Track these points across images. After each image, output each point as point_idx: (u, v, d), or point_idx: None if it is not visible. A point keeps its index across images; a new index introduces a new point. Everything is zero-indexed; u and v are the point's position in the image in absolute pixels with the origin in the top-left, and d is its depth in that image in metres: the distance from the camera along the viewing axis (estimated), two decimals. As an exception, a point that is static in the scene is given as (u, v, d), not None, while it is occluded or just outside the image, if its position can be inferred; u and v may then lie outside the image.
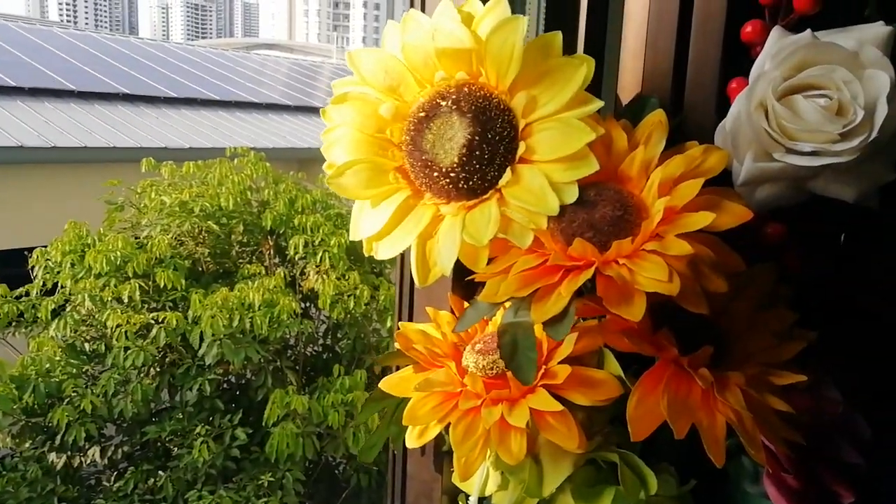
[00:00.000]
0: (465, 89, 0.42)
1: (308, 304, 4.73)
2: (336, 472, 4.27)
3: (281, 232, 4.86)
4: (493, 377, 0.45)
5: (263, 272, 4.62)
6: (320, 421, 3.55)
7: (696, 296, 0.37)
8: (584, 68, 0.40)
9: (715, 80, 0.47)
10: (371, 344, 4.30)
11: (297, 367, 4.16)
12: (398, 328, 0.53)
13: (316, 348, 4.69)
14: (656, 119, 0.44)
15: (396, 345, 0.51)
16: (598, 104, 0.40)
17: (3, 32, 10.31)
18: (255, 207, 5.09)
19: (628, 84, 0.51)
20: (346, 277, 4.36)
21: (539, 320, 0.38)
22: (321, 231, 4.53)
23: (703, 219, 0.38)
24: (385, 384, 0.50)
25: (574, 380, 0.43)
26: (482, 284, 0.42)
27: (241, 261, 5.09)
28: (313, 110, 10.68)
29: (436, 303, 0.55)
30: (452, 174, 0.41)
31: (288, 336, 4.18)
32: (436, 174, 0.42)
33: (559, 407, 0.42)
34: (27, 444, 3.58)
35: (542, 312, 0.38)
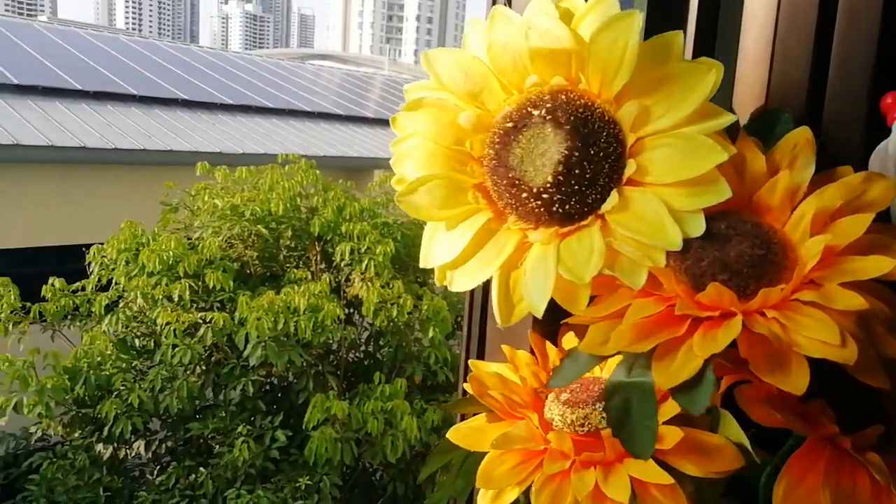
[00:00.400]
0: (562, 97, 0.36)
1: (351, 311, 4.71)
2: (373, 478, 4.23)
3: (328, 238, 4.87)
4: (584, 435, 0.38)
5: (309, 277, 4.62)
6: (359, 427, 3.52)
7: (872, 364, 0.30)
8: (711, 75, 0.32)
9: (865, 92, 0.39)
10: (412, 353, 4.25)
11: (339, 373, 4.14)
12: (468, 367, 0.47)
13: (358, 355, 4.67)
14: (802, 138, 0.36)
15: (467, 388, 0.44)
16: (730, 118, 0.32)
17: (73, 39, 10.68)
18: (303, 213, 5.12)
19: (746, 96, 0.43)
20: (391, 286, 4.33)
21: (666, 385, 0.31)
22: (367, 239, 4.52)
23: (877, 265, 0.30)
24: (454, 435, 0.43)
25: (685, 445, 0.35)
26: (573, 325, 0.35)
27: (288, 265, 5.12)
28: (364, 120, 10.76)
29: (512, 340, 0.48)
30: (545, 195, 0.35)
31: (331, 341, 4.17)
32: (524, 195, 0.36)
33: (668, 479, 0.35)
34: (77, 434, 3.64)
35: (669, 375, 0.31)
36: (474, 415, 0.44)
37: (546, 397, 0.42)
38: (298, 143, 8.24)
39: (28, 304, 4.11)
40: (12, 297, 4.03)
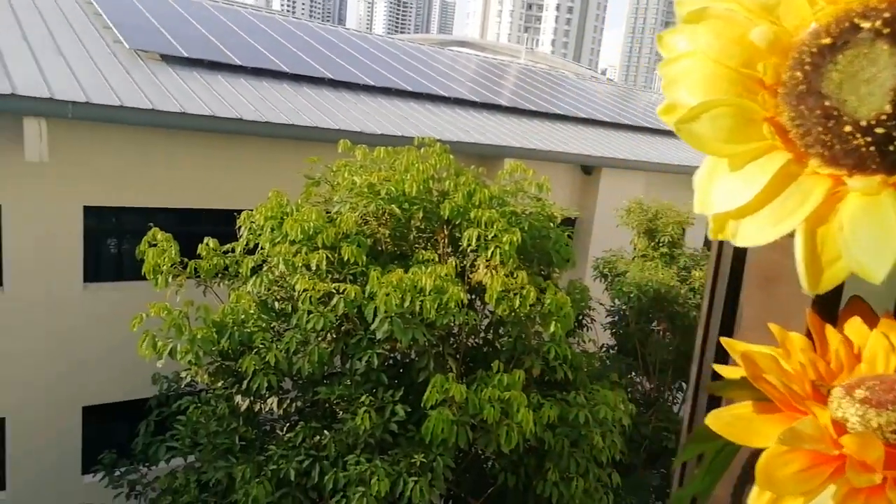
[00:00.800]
0: None
1: (474, 297, 4.77)
2: (484, 466, 4.27)
3: (457, 223, 4.93)
4: (893, 445, 0.31)
5: (436, 259, 4.72)
6: (475, 413, 3.56)
7: None
8: None
9: None
10: (532, 346, 4.23)
11: (458, 356, 4.21)
12: (706, 344, 0.42)
13: (477, 340, 4.72)
14: None
15: (722, 369, 0.39)
16: None
17: (235, 17, 11.48)
18: (435, 196, 5.22)
19: None
20: (514, 275, 4.33)
21: None
22: (495, 227, 4.53)
23: None
24: (714, 422, 0.36)
25: None
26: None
27: (416, 245, 5.25)
28: (498, 108, 10.78)
29: (779, 317, 0.40)
30: (878, 130, 0.28)
31: (453, 324, 4.24)
32: (846, 130, 0.29)
33: None
34: (220, 384, 3.96)
35: None
36: (727, 402, 0.37)
37: (828, 392, 0.36)
38: (434, 127, 8.40)
39: (185, 259, 4.52)
40: (173, 251, 4.44)
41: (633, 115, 13.71)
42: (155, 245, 4.45)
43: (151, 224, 4.72)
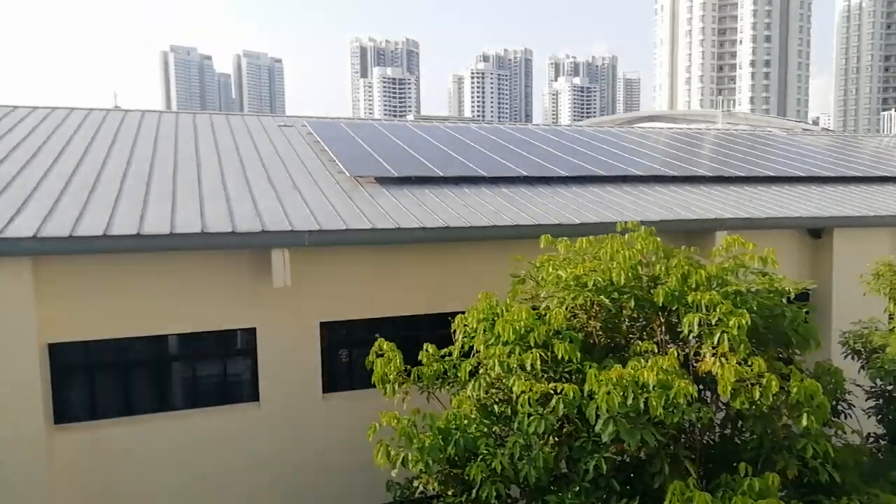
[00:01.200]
0: None
1: (703, 388, 4.38)
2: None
3: (673, 309, 4.64)
4: None
5: (655, 350, 4.45)
6: (725, 525, 3.18)
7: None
8: None
9: None
10: (782, 443, 3.73)
11: (695, 457, 3.84)
12: None
13: (713, 438, 4.28)
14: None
15: None
16: None
17: (434, 132, 12.50)
18: (645, 283, 4.99)
19: None
20: (749, 363, 3.91)
21: None
22: (718, 310, 4.18)
23: None
24: None
25: None
26: None
27: (631, 336, 5.01)
28: (700, 179, 10.25)
29: None
30: None
31: (683, 421, 3.91)
32: None
33: None
34: (450, 493, 4.01)
35: None
36: None
37: None
38: (634, 210, 8.19)
39: (409, 367, 4.77)
40: (398, 360, 4.72)
41: (863, 165, 12.19)
42: (381, 355, 4.76)
43: (377, 335, 5.08)
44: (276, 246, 6.42)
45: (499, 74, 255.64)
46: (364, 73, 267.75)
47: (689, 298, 4.42)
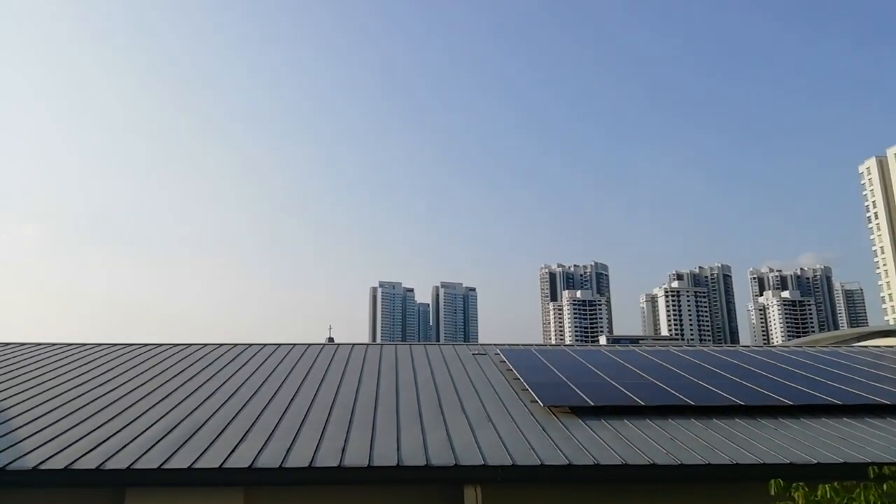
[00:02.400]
0: None
1: None
2: None
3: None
4: None
5: None
6: None
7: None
8: None
9: None
10: None
11: None
12: None
13: None
14: None
15: None
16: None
17: (631, 357, 12.07)
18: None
19: None
20: None
21: None
22: None
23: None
24: None
25: None
26: None
27: None
28: (970, 409, 8.52)
29: None
30: None
31: None
32: None
33: None
34: None
35: None
36: None
37: None
38: (885, 447, 6.90)
39: None
40: None
41: None
42: None
43: None
44: (469, 481, 6.26)
45: (695, 291, 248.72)
46: (553, 296, 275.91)
47: None
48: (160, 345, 13.21)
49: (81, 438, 6.95)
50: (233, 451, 6.56)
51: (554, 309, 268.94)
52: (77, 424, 7.51)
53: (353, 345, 13.18)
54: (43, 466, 6.11)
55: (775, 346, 14.57)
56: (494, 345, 13.42)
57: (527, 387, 9.33)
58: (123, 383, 9.77)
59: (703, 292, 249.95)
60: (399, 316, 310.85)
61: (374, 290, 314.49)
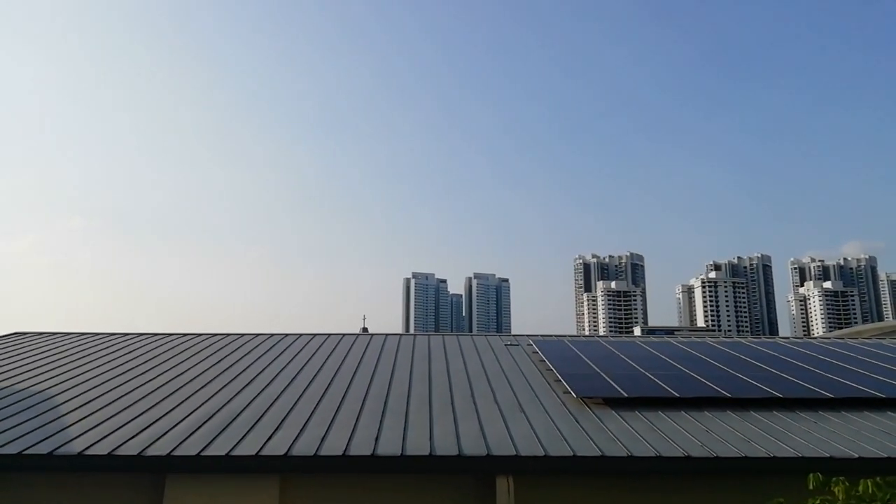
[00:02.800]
0: None
1: None
2: None
3: None
4: None
5: None
6: None
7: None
8: None
9: None
10: None
11: None
12: None
13: None
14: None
15: None
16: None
17: (664, 348, 11.92)
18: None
19: None
20: None
21: None
22: None
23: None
24: None
25: None
26: None
27: None
28: None
29: None
30: None
31: None
32: None
33: None
34: None
35: None
36: None
37: None
38: (931, 442, 6.70)
39: None
40: None
41: None
42: None
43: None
44: (501, 472, 6.27)
45: (733, 282, 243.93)
46: (588, 287, 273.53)
47: None
48: (199, 334, 13.51)
49: (124, 425, 7.17)
50: (269, 438, 6.69)
51: (588, 300, 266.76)
52: (120, 412, 7.75)
53: (387, 335, 13.29)
54: (88, 452, 6.32)
55: (816, 338, 14.23)
56: (527, 335, 13.39)
57: (559, 377, 9.29)
58: (164, 372, 10.03)
59: (742, 283, 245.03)
60: (432, 307, 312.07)
61: (408, 280, 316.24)
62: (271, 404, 8.09)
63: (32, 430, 6.96)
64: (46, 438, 6.68)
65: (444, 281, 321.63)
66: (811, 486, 4.81)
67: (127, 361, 10.86)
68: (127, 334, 13.54)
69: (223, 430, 7.01)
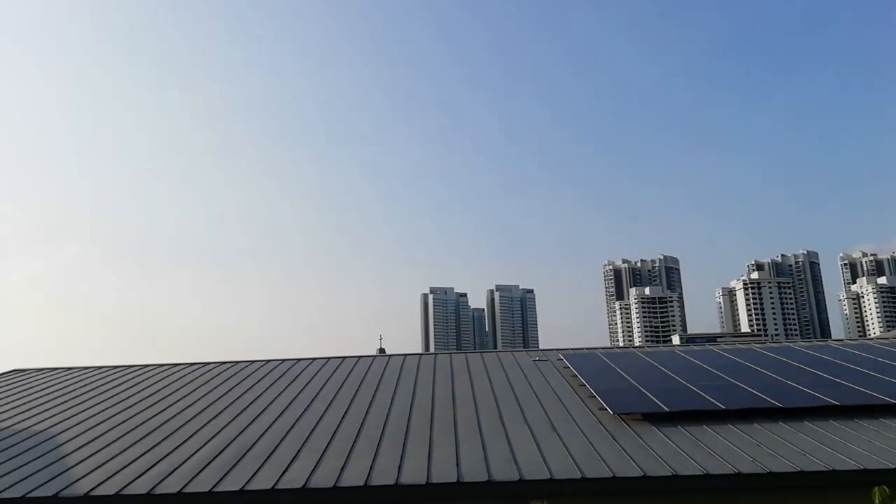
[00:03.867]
0: None
1: None
2: None
3: None
4: None
5: None
6: None
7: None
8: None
9: None
10: None
11: None
12: None
13: None
14: None
15: None
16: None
17: (707, 357, 11.79)
18: None
19: None
20: None
21: None
22: None
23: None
24: None
25: None
26: None
27: None
28: None
29: None
30: None
31: None
32: None
33: None
34: None
35: None
36: None
37: None
38: None
39: None
40: None
41: None
42: None
43: None
44: (535, 497, 6.23)
45: (778, 282, 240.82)
46: (619, 294, 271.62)
47: None
48: (208, 363, 13.62)
49: (132, 462, 7.23)
50: (285, 471, 6.71)
51: (620, 308, 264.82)
52: (127, 448, 7.82)
53: (406, 355, 13.30)
54: (95, 492, 6.38)
55: (872, 339, 14.00)
56: (556, 350, 13.33)
57: (594, 393, 9.23)
58: (172, 404, 10.12)
59: (788, 282, 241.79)
60: (452, 323, 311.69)
61: (425, 296, 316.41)
62: (286, 434, 8.12)
63: (36, 472, 7.05)
64: (51, 479, 6.76)
65: (464, 295, 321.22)
66: (877, 501, 4.72)
67: (133, 395, 10.97)
68: (131, 366, 13.69)
69: (236, 462, 7.05)
